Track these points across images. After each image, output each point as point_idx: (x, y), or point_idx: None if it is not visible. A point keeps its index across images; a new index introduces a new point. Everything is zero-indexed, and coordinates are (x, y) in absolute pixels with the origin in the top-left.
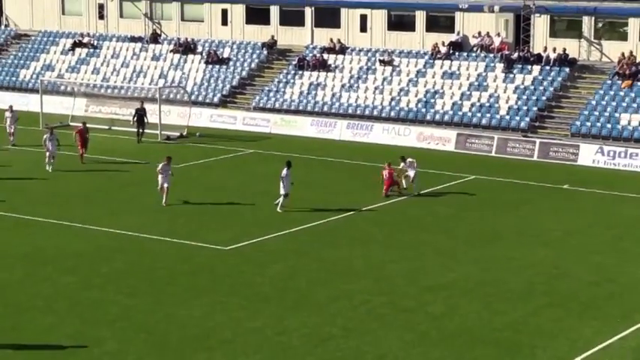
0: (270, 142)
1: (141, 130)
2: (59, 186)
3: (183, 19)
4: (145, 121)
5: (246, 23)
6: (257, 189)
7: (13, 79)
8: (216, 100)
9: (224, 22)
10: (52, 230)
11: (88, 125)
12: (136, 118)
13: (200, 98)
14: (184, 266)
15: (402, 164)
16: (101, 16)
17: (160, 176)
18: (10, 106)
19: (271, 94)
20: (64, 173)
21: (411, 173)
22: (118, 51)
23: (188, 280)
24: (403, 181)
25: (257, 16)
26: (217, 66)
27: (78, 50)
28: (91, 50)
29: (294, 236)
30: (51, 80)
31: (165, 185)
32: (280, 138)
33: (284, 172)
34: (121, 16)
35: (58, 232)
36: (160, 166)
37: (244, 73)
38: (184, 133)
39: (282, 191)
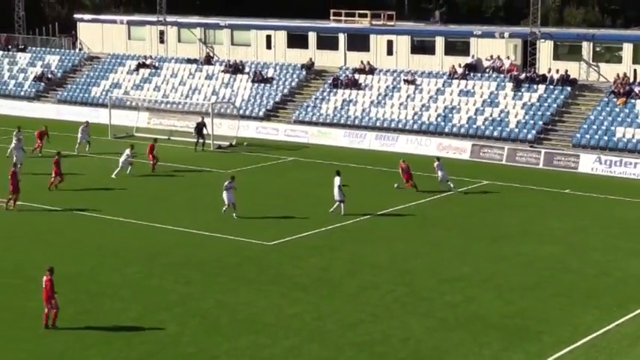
0: (308, 151)
1: (200, 140)
2: (127, 189)
3: (232, 44)
4: (205, 132)
5: (288, 47)
6: (297, 192)
7: (86, 95)
8: (261, 114)
9: (268, 46)
10: (120, 227)
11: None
12: (197, 130)
13: (247, 112)
14: (233, 259)
15: (437, 162)
16: (162, 41)
17: (224, 193)
18: (87, 121)
19: (309, 109)
20: (132, 179)
21: (440, 174)
22: (177, 71)
23: (236, 271)
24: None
25: (297, 41)
26: (262, 84)
27: (142, 70)
28: (153, 70)
29: (328, 234)
30: (118, 96)
31: (230, 202)
32: (317, 147)
33: (337, 180)
34: (179, 40)
35: (125, 229)
36: (225, 184)
37: (286, 91)
38: (233, 143)
39: (337, 198)
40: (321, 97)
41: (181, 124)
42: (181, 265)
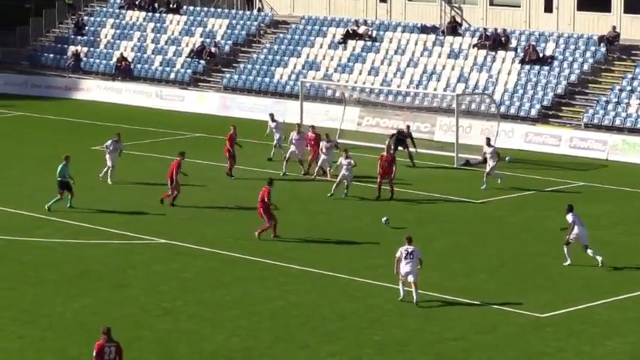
0: (607, 172)
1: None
2: (321, 221)
3: (492, 4)
4: (410, 145)
5: (578, 10)
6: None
7: (266, 80)
8: (533, 113)
9: (548, 8)
10: (310, 281)
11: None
12: (393, 140)
13: (512, 110)
14: (484, 338)
15: (491, 148)
16: None
17: (402, 263)
18: (271, 115)
19: (610, 106)
20: (336, 202)
21: (490, 163)
22: (404, 45)
23: (490, 357)
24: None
25: (593, 0)
26: (537, 67)
27: (351, 43)
28: (369, 43)
29: (636, 303)
30: (314, 82)
31: (411, 278)
32: (621, 167)
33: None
34: None
35: (318, 285)
36: (401, 253)
37: (573, 77)
38: None
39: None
40: (629, 87)
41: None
42: (401, 343)
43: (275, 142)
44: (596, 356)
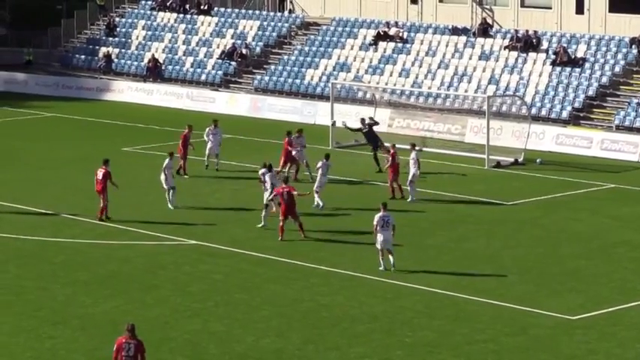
0: (638, 174)
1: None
2: (349, 222)
3: (523, 5)
4: (379, 144)
5: (610, 12)
6: (615, 239)
7: (297, 81)
8: (565, 114)
9: (579, 10)
10: (340, 282)
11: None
12: (369, 135)
13: (543, 112)
14: (515, 340)
15: (415, 151)
16: (414, 0)
17: (378, 231)
18: (215, 121)
19: None
20: (364, 203)
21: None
22: (435, 46)
23: (520, 359)
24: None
25: (625, 2)
26: (568, 68)
27: (382, 45)
28: (399, 45)
29: None
30: (345, 84)
31: (387, 246)
32: None
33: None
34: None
35: (348, 286)
36: (378, 221)
37: (605, 79)
38: (520, 159)
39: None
40: None
41: (440, 129)
42: (433, 345)
43: (207, 150)
44: (626, 359)
